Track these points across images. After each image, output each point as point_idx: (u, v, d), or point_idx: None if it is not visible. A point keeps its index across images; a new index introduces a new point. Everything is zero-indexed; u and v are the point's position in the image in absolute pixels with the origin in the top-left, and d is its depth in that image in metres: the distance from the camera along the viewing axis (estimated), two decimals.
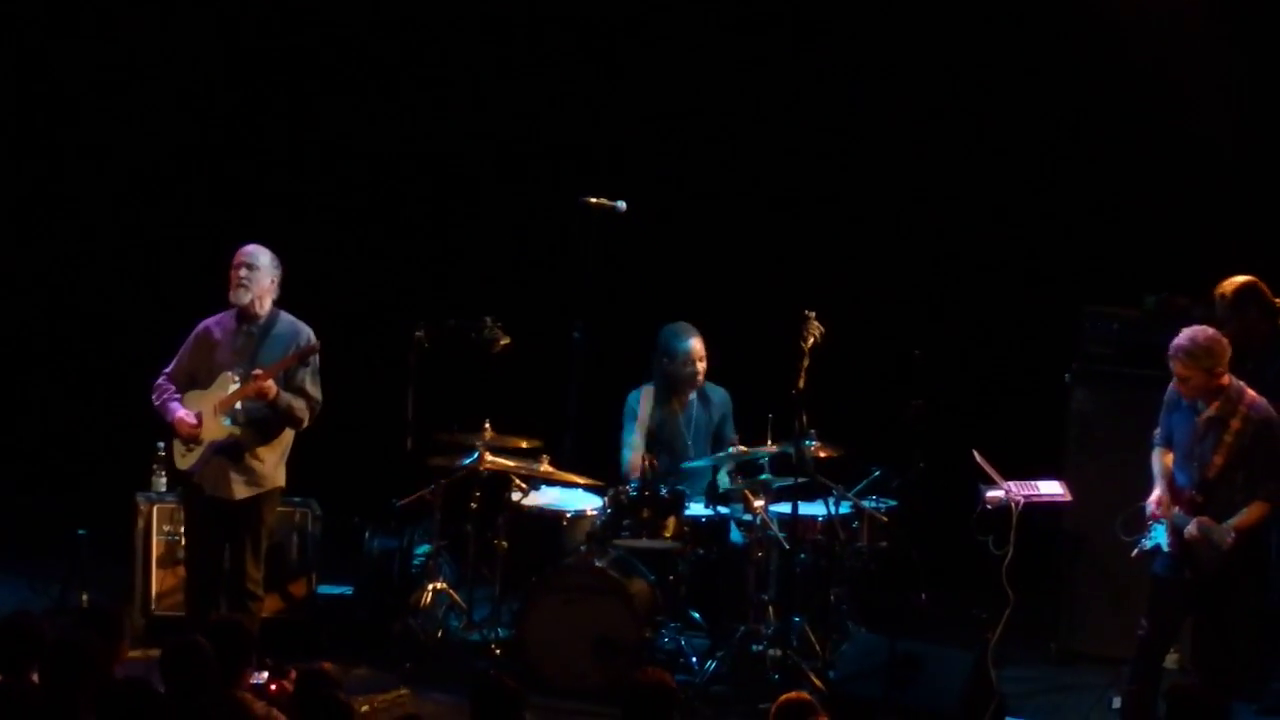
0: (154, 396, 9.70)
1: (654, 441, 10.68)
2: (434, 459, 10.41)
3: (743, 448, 10.25)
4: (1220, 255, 10.54)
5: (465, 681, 8.10)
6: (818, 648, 10.04)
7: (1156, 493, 9.03)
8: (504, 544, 10.31)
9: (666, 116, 12.59)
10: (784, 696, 7.19)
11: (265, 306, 9.70)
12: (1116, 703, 9.52)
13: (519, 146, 12.86)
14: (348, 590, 10.80)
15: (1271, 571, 9.89)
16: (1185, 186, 11.74)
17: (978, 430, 10.50)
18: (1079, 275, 11.74)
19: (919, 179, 12.29)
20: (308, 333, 9.70)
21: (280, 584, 10.36)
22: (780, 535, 10.13)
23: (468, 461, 10.34)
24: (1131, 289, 10.83)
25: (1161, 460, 9.11)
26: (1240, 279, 9.89)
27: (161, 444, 10.22)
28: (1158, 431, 9.18)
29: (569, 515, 10.41)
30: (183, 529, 10.10)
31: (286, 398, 9.53)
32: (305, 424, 9.63)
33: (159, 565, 10.48)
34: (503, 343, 10.44)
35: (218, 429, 9.53)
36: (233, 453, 9.55)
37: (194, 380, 9.66)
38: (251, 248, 9.73)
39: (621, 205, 10.67)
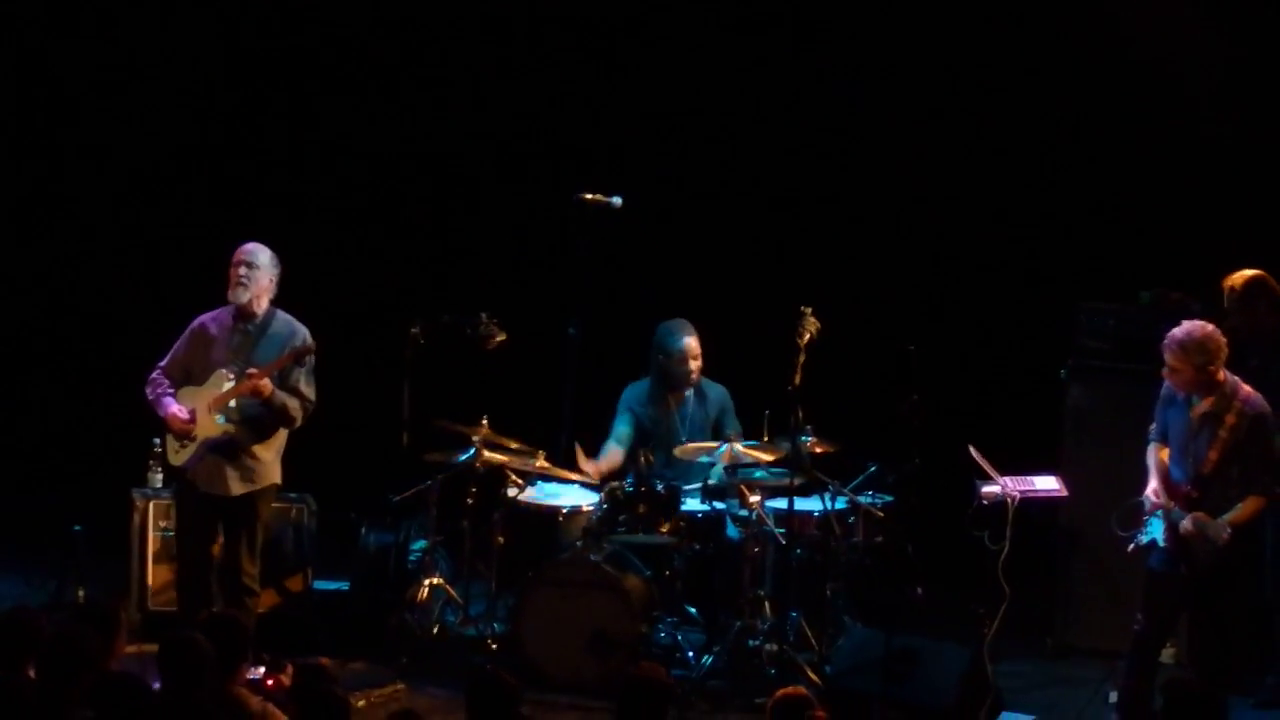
0: (148, 390, 9.71)
1: (647, 437, 10.70)
2: (430, 454, 10.43)
3: (738, 445, 10.26)
4: (1216, 251, 10.56)
5: (461, 676, 8.13)
6: (814, 642, 10.06)
7: (1152, 484, 9.04)
8: (500, 539, 10.34)
9: (665, 116, 12.60)
10: (780, 691, 7.21)
11: (263, 305, 9.72)
12: (1113, 697, 9.52)
13: (518, 146, 12.87)
14: (344, 585, 10.80)
15: (1267, 566, 9.89)
16: (1181, 183, 11.75)
17: (974, 426, 10.52)
18: (1075, 271, 11.75)
19: (914, 176, 12.29)
20: (304, 333, 9.71)
21: (276, 579, 10.38)
22: (776, 530, 10.14)
23: (464, 458, 10.36)
24: (1127, 285, 10.85)
25: (1157, 455, 9.12)
26: (1250, 272, 9.89)
27: (157, 440, 10.25)
28: (1153, 427, 9.18)
29: (565, 511, 10.42)
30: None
31: (281, 396, 9.53)
32: (298, 423, 9.64)
33: (155, 561, 10.51)
34: (498, 339, 10.45)
35: (212, 426, 9.54)
36: (227, 450, 9.56)
37: (189, 376, 9.67)
38: (251, 246, 9.75)
39: (617, 201, 10.67)
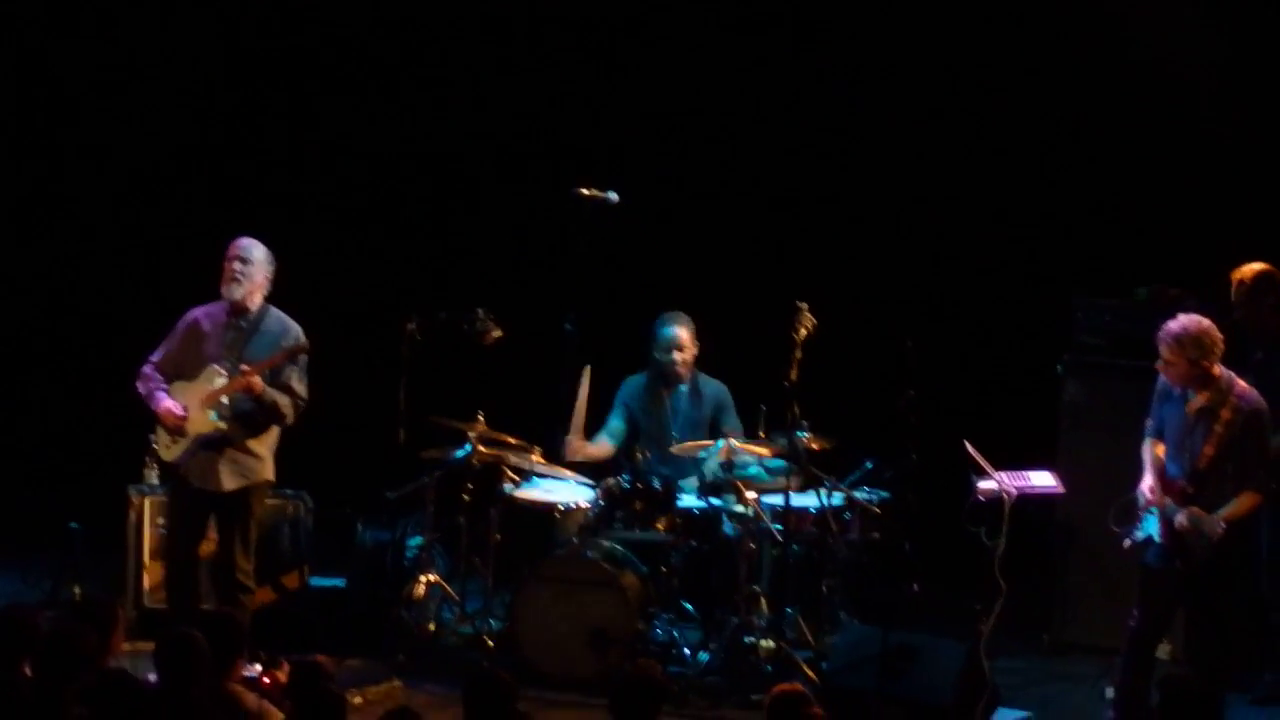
0: (139, 384, 9.71)
1: (639, 431, 10.70)
2: (427, 451, 10.43)
3: (736, 441, 10.27)
4: (1213, 248, 10.56)
5: (458, 673, 8.17)
6: (810, 639, 10.08)
7: (1148, 480, 9.04)
8: (497, 536, 10.32)
9: (665, 115, 12.60)
10: (777, 688, 7.21)
11: (256, 301, 9.72)
12: (1109, 693, 9.49)
13: (517, 145, 12.88)
14: (340, 582, 10.77)
15: (1263, 562, 9.89)
16: (1178, 178, 11.75)
17: (970, 421, 10.48)
18: (1071, 267, 11.74)
19: (911, 171, 12.29)
20: (297, 331, 9.70)
21: (273, 576, 10.37)
22: (773, 527, 10.14)
23: (461, 454, 10.36)
24: (1124, 280, 10.85)
25: (1153, 450, 9.12)
26: (1259, 265, 9.89)
27: (153, 436, 10.24)
28: (1149, 422, 9.18)
29: (561, 508, 10.41)
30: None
31: (273, 394, 9.53)
32: (290, 421, 9.63)
33: (151, 558, 10.50)
34: (495, 334, 10.46)
35: (204, 423, 9.54)
36: (220, 446, 9.56)
37: (180, 370, 9.67)
38: (246, 241, 9.75)
39: (613, 196, 10.64)
